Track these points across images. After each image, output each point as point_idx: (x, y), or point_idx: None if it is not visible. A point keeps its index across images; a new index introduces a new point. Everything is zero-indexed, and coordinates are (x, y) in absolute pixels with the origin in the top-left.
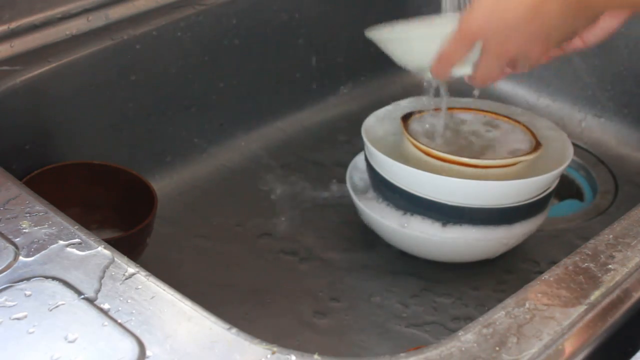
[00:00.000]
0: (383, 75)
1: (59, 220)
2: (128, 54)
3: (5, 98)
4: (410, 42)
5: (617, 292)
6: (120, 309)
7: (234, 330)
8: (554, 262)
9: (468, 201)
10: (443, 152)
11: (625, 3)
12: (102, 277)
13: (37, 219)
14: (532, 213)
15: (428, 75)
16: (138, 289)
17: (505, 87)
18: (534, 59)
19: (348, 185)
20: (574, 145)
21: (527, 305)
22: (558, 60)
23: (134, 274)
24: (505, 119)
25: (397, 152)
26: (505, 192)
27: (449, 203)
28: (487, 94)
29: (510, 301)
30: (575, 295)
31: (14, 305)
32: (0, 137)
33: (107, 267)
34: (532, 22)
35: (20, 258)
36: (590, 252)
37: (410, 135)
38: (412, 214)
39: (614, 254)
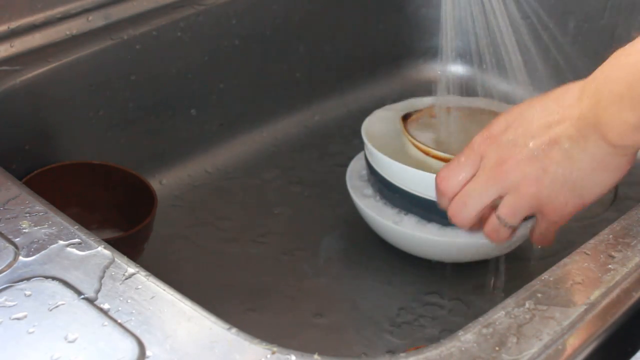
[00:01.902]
0: (383, 75)
1: (59, 220)
2: (128, 54)
3: (5, 98)
4: None
5: (617, 292)
6: (120, 309)
7: (234, 330)
8: (554, 262)
9: None
10: (442, 151)
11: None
12: (102, 277)
13: (37, 219)
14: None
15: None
16: (138, 289)
17: (506, 87)
18: (522, 198)
19: (348, 185)
20: None
21: (527, 305)
22: (558, 60)
23: (134, 274)
24: None
25: (396, 151)
26: None
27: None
28: (489, 94)
29: (510, 301)
30: (575, 295)
31: (14, 305)
32: (0, 137)
33: (107, 267)
34: (539, 138)
35: (20, 258)
36: (590, 252)
37: (410, 135)
38: (406, 213)
39: (613, 254)
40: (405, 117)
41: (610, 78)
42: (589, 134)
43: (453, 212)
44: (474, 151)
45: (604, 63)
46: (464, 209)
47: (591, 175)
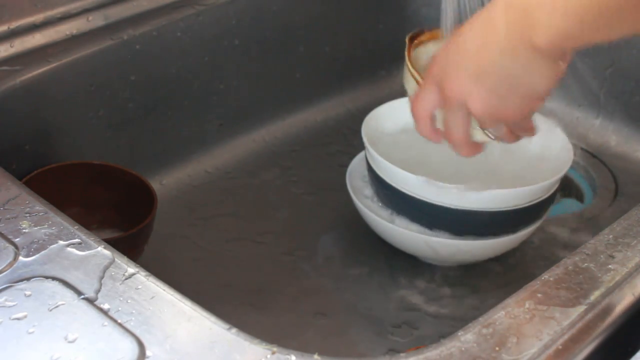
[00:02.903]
0: (383, 75)
1: (59, 220)
2: (128, 54)
3: (5, 98)
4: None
5: (617, 292)
6: (120, 309)
7: (234, 330)
8: (553, 262)
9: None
10: None
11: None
12: (102, 277)
13: (37, 219)
14: (525, 223)
15: None
16: (138, 289)
17: None
18: (470, 113)
19: (348, 184)
20: (574, 145)
21: (527, 305)
22: None
23: (134, 274)
24: None
25: (396, 150)
26: (503, 197)
27: (439, 204)
28: None
29: (510, 301)
30: (575, 295)
31: (14, 305)
32: (0, 137)
33: (107, 267)
34: (475, 59)
35: (20, 258)
36: (590, 252)
37: (411, 64)
38: (398, 213)
39: (614, 254)
40: (413, 38)
41: None
42: (519, 49)
43: (414, 114)
44: (430, 74)
45: None
46: (419, 114)
47: (531, 78)
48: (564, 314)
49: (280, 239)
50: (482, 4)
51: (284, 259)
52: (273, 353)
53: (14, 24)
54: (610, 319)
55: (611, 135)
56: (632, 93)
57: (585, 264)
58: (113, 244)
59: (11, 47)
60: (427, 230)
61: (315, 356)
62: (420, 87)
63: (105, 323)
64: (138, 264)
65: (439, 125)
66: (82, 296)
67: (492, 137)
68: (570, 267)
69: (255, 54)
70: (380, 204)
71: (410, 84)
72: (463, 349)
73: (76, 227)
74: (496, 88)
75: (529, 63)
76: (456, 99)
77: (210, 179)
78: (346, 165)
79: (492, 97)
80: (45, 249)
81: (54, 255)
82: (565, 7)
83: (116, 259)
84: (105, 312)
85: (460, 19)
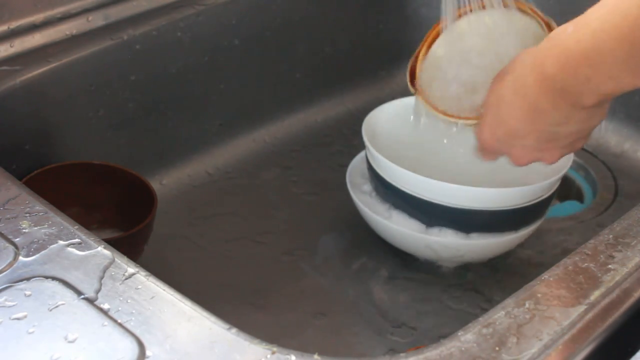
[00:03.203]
0: (383, 75)
1: (59, 220)
2: (128, 54)
3: (5, 98)
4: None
5: (617, 292)
6: (120, 309)
7: (234, 330)
8: (553, 262)
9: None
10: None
11: (613, 89)
12: (102, 277)
13: (37, 219)
14: (525, 223)
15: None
16: (138, 289)
17: None
18: (554, 160)
19: (348, 184)
20: None
21: (527, 305)
22: None
23: (134, 274)
24: None
25: (396, 149)
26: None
27: (440, 203)
28: None
29: (510, 301)
30: (575, 295)
31: (13, 305)
32: (0, 137)
33: (107, 267)
34: (536, 135)
35: (20, 258)
36: (590, 252)
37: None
38: (395, 209)
39: (614, 254)
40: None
41: (565, 65)
42: (574, 112)
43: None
44: (489, 151)
45: (544, 49)
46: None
47: (590, 123)
48: (564, 314)
49: (280, 239)
50: (482, 4)
51: (284, 259)
52: (273, 353)
53: (14, 24)
54: (610, 319)
55: (611, 135)
56: (632, 93)
57: (585, 264)
58: (113, 244)
59: (11, 47)
60: (426, 230)
61: (315, 356)
62: (479, 154)
63: (105, 323)
64: (138, 264)
65: None
66: (82, 296)
67: None
68: (570, 267)
69: (255, 54)
70: (378, 199)
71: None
72: (463, 349)
73: (76, 227)
74: (562, 146)
75: (585, 118)
76: (534, 159)
77: (210, 179)
78: (346, 165)
79: (560, 152)
80: (45, 249)
81: (54, 255)
82: (600, 75)
83: (116, 259)
84: (105, 312)
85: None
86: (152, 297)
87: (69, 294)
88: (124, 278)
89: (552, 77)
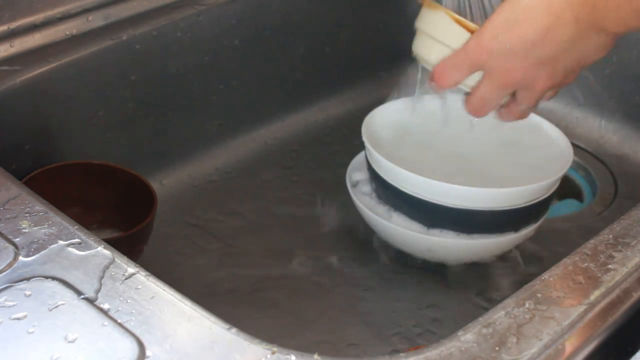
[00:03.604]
0: (383, 75)
1: (59, 220)
2: (128, 54)
3: (5, 98)
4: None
5: (617, 292)
6: (120, 309)
7: (234, 330)
8: (553, 262)
9: (467, 204)
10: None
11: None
12: (102, 277)
13: (37, 219)
14: (525, 223)
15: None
16: (138, 289)
17: None
18: (537, 91)
19: (348, 184)
20: (574, 145)
21: (527, 305)
22: None
23: (134, 274)
24: None
25: (396, 149)
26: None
27: (440, 203)
28: None
29: (510, 301)
30: (575, 295)
31: (13, 305)
32: (0, 137)
33: (107, 267)
34: (542, 47)
35: (20, 258)
36: (590, 252)
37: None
38: (395, 210)
39: (613, 254)
40: None
41: None
42: (590, 34)
43: (473, 111)
44: (469, 56)
45: None
46: (483, 108)
47: (594, 55)
48: (564, 314)
49: (280, 239)
50: (482, 4)
51: (284, 259)
52: (273, 353)
53: (14, 24)
54: (610, 319)
55: (611, 135)
56: (632, 93)
57: (585, 264)
58: (113, 244)
59: (11, 47)
60: (426, 230)
61: (315, 356)
62: (450, 61)
63: (105, 323)
64: (138, 264)
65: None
66: (82, 296)
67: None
68: (570, 267)
69: (255, 54)
70: (378, 200)
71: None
72: (463, 349)
73: (76, 227)
74: (565, 67)
75: (600, 44)
76: (519, 84)
77: (210, 178)
78: (346, 165)
79: (559, 75)
80: (45, 249)
81: (54, 255)
82: (629, 7)
83: (116, 259)
84: (105, 312)
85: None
86: (152, 297)
87: (69, 294)
88: (124, 278)
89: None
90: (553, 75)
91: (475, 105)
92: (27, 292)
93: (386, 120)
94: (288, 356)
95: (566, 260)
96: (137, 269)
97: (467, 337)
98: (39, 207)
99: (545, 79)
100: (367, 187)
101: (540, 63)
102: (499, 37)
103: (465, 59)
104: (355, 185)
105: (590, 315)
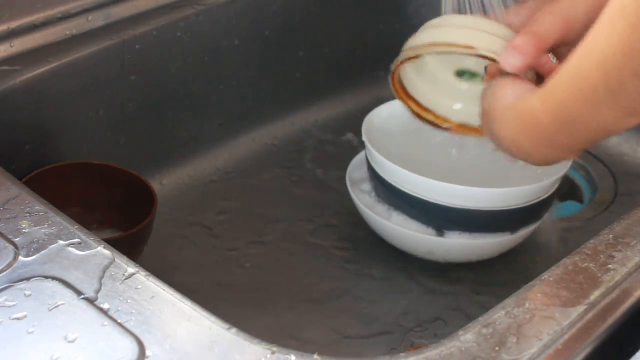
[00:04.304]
0: (383, 75)
1: (59, 220)
2: (128, 54)
3: (5, 98)
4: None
5: (617, 292)
6: (120, 309)
7: (234, 330)
8: (553, 262)
9: (464, 204)
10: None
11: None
12: (102, 277)
13: (37, 219)
14: (525, 223)
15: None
16: (138, 289)
17: None
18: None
19: (348, 184)
20: None
21: (527, 305)
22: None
23: (134, 274)
24: None
25: (396, 149)
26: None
27: (439, 203)
28: None
29: (510, 301)
30: (575, 295)
31: (14, 305)
32: (0, 137)
33: (107, 267)
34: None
35: (20, 258)
36: (590, 252)
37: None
38: (395, 209)
39: (614, 254)
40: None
41: (534, 140)
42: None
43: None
44: None
45: (512, 124)
46: None
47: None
48: (564, 314)
49: (280, 239)
50: (482, 5)
51: (284, 259)
52: (273, 353)
53: (14, 24)
54: (610, 319)
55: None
56: None
57: (585, 264)
58: (113, 244)
59: (11, 47)
60: (425, 229)
61: (315, 356)
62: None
63: (105, 323)
64: (138, 264)
65: None
66: (82, 296)
67: None
68: (570, 267)
69: (255, 54)
70: (378, 199)
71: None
72: (463, 349)
73: (76, 227)
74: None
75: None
76: None
77: (210, 179)
78: (346, 166)
79: None
80: (45, 249)
81: (54, 255)
82: (577, 139)
83: (116, 259)
84: (105, 312)
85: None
86: (152, 297)
87: (69, 294)
88: (124, 278)
89: (524, 149)
90: None
91: None
92: (27, 292)
93: (386, 120)
94: (288, 356)
95: (566, 260)
96: (137, 269)
97: (467, 337)
98: (39, 207)
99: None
100: (367, 187)
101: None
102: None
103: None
104: (355, 184)
105: (590, 315)
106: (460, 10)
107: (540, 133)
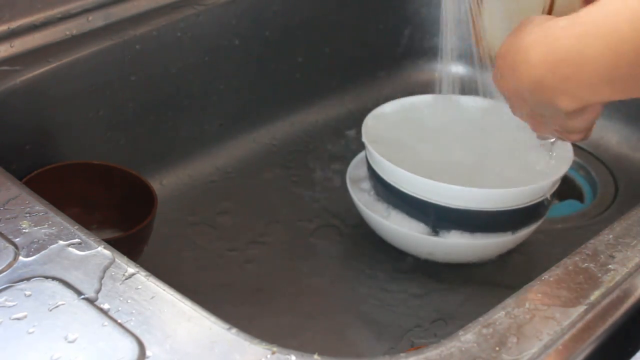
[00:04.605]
0: (383, 75)
1: (59, 220)
2: (128, 54)
3: (5, 98)
4: None
5: (617, 292)
6: (120, 309)
7: (234, 330)
8: (553, 262)
9: (462, 204)
10: None
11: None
12: (102, 277)
13: (37, 219)
14: (525, 223)
15: None
16: (138, 289)
17: None
18: (542, 131)
19: (348, 184)
20: (574, 145)
21: (527, 305)
22: None
23: (134, 274)
24: None
25: (396, 149)
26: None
27: (439, 203)
28: (489, 94)
29: (510, 301)
30: (575, 295)
31: (14, 305)
32: (0, 137)
33: (107, 267)
34: (521, 99)
35: (20, 258)
36: (590, 252)
37: None
38: (394, 208)
39: (614, 254)
40: None
41: (548, 58)
42: (548, 107)
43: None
44: (512, 101)
45: (534, 35)
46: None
47: (571, 122)
48: (564, 314)
49: (280, 239)
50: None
51: (283, 259)
52: (273, 353)
53: (14, 24)
54: (610, 319)
55: (611, 135)
56: None
57: (585, 264)
58: (113, 244)
59: (11, 47)
60: (425, 229)
61: (315, 356)
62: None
63: (105, 323)
64: (138, 264)
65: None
66: (82, 296)
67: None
68: (570, 267)
69: (255, 54)
70: (377, 197)
71: None
72: (463, 349)
73: (76, 227)
74: (552, 128)
75: (565, 118)
76: (528, 117)
77: (210, 179)
78: (346, 165)
79: (550, 131)
80: (45, 249)
81: (54, 255)
82: (578, 77)
83: (116, 259)
84: (105, 312)
85: (460, 20)
86: (152, 297)
87: (69, 294)
88: (124, 278)
89: (534, 66)
90: (552, 130)
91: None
92: (27, 292)
93: (386, 120)
94: (288, 356)
95: (566, 260)
96: (137, 269)
97: (467, 337)
98: (39, 207)
99: (544, 129)
100: (366, 185)
101: (533, 116)
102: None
103: (513, 102)
104: (354, 183)
105: (590, 315)
106: (459, 7)
107: (550, 55)
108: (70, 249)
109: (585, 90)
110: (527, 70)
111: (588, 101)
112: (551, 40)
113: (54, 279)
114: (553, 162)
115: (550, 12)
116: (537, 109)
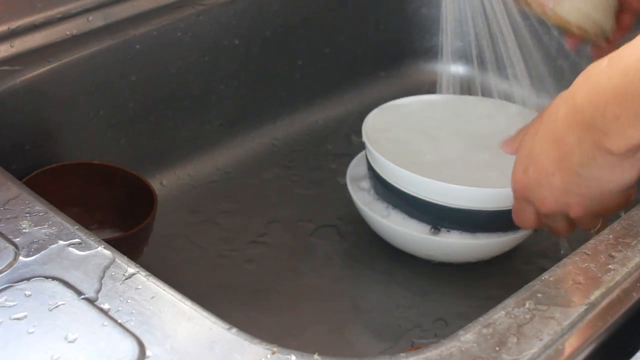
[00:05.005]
0: (383, 75)
1: (59, 220)
2: (128, 54)
3: (5, 98)
4: None
5: (617, 292)
6: (120, 309)
7: (234, 330)
8: (553, 262)
9: (460, 204)
10: None
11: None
12: (102, 277)
13: (37, 219)
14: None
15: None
16: (138, 289)
17: (506, 87)
18: (576, 217)
19: (348, 184)
20: None
21: (527, 305)
22: (557, 58)
23: (134, 274)
24: None
25: (396, 149)
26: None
27: (439, 203)
28: (489, 94)
29: (510, 301)
30: (575, 295)
31: (14, 305)
32: (0, 137)
33: (107, 267)
34: (560, 176)
35: (20, 258)
36: (590, 252)
37: None
38: (394, 208)
39: (614, 254)
40: None
41: (594, 100)
42: (596, 155)
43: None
44: (517, 193)
45: (578, 82)
46: (560, 234)
47: (614, 178)
48: (564, 314)
49: (280, 238)
50: (482, 4)
51: (284, 259)
52: (273, 353)
53: (14, 24)
54: (610, 319)
55: None
56: None
57: (585, 264)
58: (113, 244)
59: (11, 47)
60: (425, 229)
61: (315, 356)
62: (515, 209)
63: (105, 323)
64: (138, 264)
65: None
66: (82, 296)
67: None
68: (570, 267)
69: (255, 54)
70: (377, 197)
71: None
72: (463, 349)
73: (76, 227)
74: (588, 193)
75: (611, 165)
76: (557, 212)
77: (210, 179)
78: (346, 165)
79: (587, 201)
80: (45, 249)
81: (54, 255)
82: (628, 114)
83: (116, 259)
84: (105, 312)
85: (461, 20)
86: (152, 297)
87: (69, 294)
88: (124, 278)
89: (581, 111)
90: (581, 202)
91: (520, 223)
92: (27, 292)
93: (386, 120)
94: (288, 356)
95: (566, 260)
96: (137, 269)
97: (467, 337)
98: (39, 207)
99: (575, 206)
100: (366, 185)
101: (562, 191)
102: (528, 171)
103: (516, 196)
104: (354, 183)
105: (590, 315)
106: (459, 7)
107: (598, 97)
108: (70, 249)
109: (636, 127)
110: (574, 119)
111: (639, 140)
112: (594, 83)
113: (54, 279)
114: None
115: None
116: (578, 166)
